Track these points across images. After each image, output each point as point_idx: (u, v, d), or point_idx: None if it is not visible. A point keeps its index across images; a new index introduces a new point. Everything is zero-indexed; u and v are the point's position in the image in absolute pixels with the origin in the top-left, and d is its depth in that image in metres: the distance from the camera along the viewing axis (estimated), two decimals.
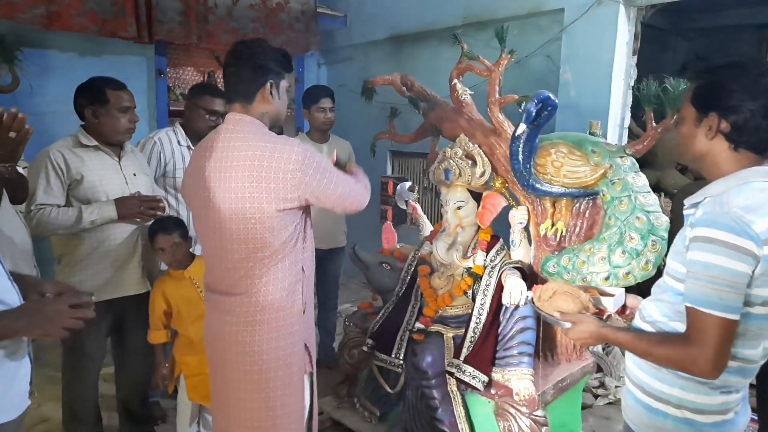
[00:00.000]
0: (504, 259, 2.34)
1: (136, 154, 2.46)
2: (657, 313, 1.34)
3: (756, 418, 2.36)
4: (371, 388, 2.57)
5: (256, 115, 1.68)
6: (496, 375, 2.13)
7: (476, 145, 2.37)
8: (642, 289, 1.84)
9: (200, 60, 4.80)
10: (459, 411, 2.22)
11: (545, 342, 2.33)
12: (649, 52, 3.41)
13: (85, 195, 2.17)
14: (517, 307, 2.15)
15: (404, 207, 2.92)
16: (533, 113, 2.01)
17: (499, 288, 2.23)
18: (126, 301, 2.30)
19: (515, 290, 2.11)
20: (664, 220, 1.98)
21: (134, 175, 2.33)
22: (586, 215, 2.18)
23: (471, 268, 2.36)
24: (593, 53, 3.22)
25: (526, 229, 2.34)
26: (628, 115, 3.30)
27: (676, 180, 4.09)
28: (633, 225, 1.98)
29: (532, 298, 1.60)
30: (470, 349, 2.19)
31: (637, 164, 2.12)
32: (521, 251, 2.33)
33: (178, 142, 2.73)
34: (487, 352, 2.15)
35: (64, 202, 2.15)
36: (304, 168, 1.58)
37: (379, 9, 4.74)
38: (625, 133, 3.33)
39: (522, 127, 2.06)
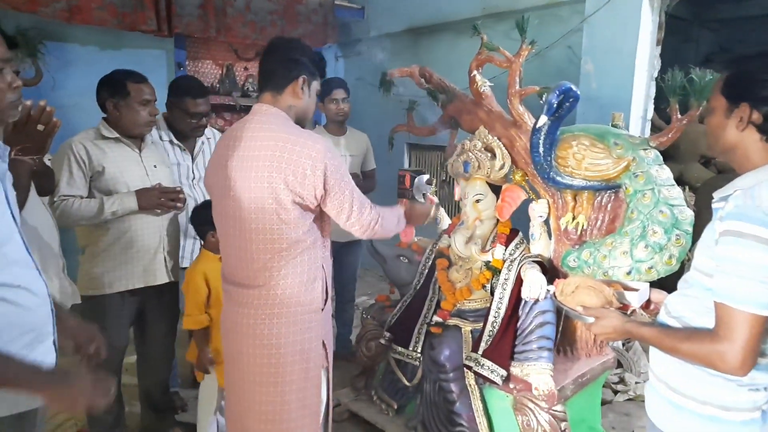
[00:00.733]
0: (523, 252, 2.32)
1: (156, 146, 2.48)
2: (684, 308, 1.31)
3: None
4: (388, 380, 2.57)
5: (284, 108, 1.69)
6: (515, 369, 2.12)
7: (496, 138, 2.35)
8: (664, 283, 1.81)
9: (219, 53, 4.82)
10: (477, 405, 2.22)
11: (565, 336, 2.31)
12: (671, 43, 3.34)
13: (107, 186, 2.19)
14: (536, 301, 2.13)
15: (422, 200, 2.90)
16: (554, 105, 1.98)
17: (518, 282, 2.22)
18: (148, 291, 2.32)
19: (535, 284, 2.09)
20: (689, 214, 1.94)
21: (154, 166, 2.35)
22: (608, 208, 2.15)
23: (490, 261, 2.34)
24: (615, 44, 3.16)
25: (546, 222, 2.31)
26: (651, 106, 3.24)
27: (699, 173, 4.02)
28: (656, 219, 1.94)
29: (554, 293, 1.58)
30: (489, 343, 2.18)
31: (660, 157, 2.08)
32: (541, 245, 2.30)
33: (160, 137, 2.66)
34: (505, 346, 2.14)
35: (86, 193, 2.18)
36: (323, 165, 1.58)
37: (397, 1, 4.71)
38: (648, 125, 3.28)
39: (543, 119, 2.03)
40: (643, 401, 2.88)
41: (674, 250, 1.91)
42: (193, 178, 2.76)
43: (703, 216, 2.00)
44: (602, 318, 1.39)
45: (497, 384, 2.11)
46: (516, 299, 2.21)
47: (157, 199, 2.24)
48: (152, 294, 2.34)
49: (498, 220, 2.40)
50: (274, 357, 1.66)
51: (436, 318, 2.43)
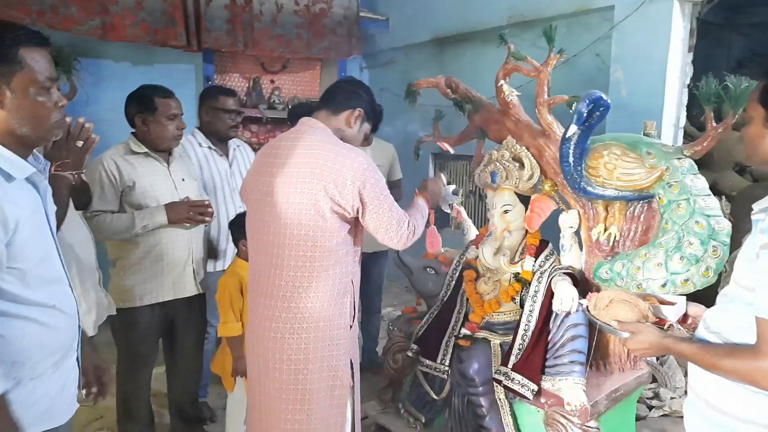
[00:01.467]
0: (553, 264, 2.28)
1: (184, 160, 2.53)
2: (724, 323, 1.27)
3: None
4: (416, 393, 2.55)
5: (332, 129, 1.74)
6: (546, 384, 2.07)
7: (524, 147, 2.32)
8: (699, 296, 1.75)
9: (246, 66, 4.91)
10: (507, 420, 2.17)
11: (598, 351, 2.25)
12: (702, 48, 3.27)
13: (137, 201, 2.23)
14: (568, 314, 2.09)
15: (448, 211, 2.88)
16: (585, 114, 1.94)
17: (549, 294, 2.17)
18: (178, 304, 2.35)
19: (566, 297, 2.05)
20: (726, 225, 1.88)
21: (183, 180, 2.38)
22: (641, 219, 2.10)
23: (519, 273, 2.31)
24: (646, 51, 3.10)
25: (577, 233, 2.27)
26: (684, 114, 3.17)
27: (734, 182, 3.90)
28: (692, 230, 1.89)
29: (587, 306, 1.54)
30: (518, 356, 2.14)
31: (695, 166, 2.03)
32: (572, 256, 2.26)
33: (199, 144, 2.81)
34: (536, 360, 2.10)
35: (117, 208, 2.22)
36: (363, 177, 1.60)
37: (421, 11, 4.72)
38: (681, 133, 3.20)
39: (573, 129, 1.99)
40: (679, 417, 2.81)
41: (711, 262, 1.85)
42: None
43: (739, 226, 1.94)
44: (638, 333, 1.35)
45: (528, 398, 2.06)
46: (546, 312, 2.16)
47: (186, 213, 2.27)
48: (181, 306, 2.37)
49: (527, 231, 2.36)
50: (301, 373, 1.65)
51: (464, 330, 2.40)
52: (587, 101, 1.93)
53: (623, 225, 2.11)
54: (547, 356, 2.12)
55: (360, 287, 1.78)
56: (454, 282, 2.58)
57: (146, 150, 2.29)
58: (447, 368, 2.32)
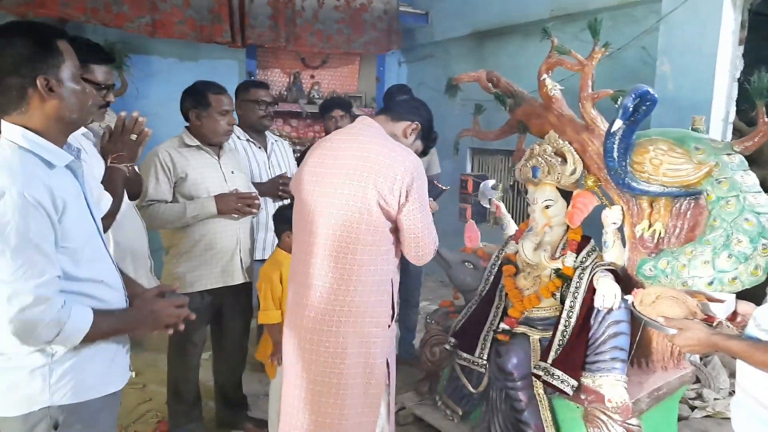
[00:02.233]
0: (595, 260, 2.26)
1: (233, 153, 2.61)
2: None
3: None
4: (453, 386, 2.57)
5: (388, 133, 1.78)
6: (586, 380, 2.07)
7: (566, 142, 2.31)
8: (746, 294, 1.71)
9: (287, 62, 4.98)
10: (546, 415, 2.18)
11: (640, 348, 2.23)
12: (752, 40, 3.15)
13: (189, 191, 2.32)
14: (610, 310, 2.07)
15: (487, 205, 2.88)
16: (630, 108, 1.92)
17: (590, 291, 2.16)
18: (226, 291, 2.43)
19: (609, 293, 2.04)
20: None
21: (232, 172, 2.46)
22: (687, 216, 2.06)
23: (560, 269, 2.30)
24: (694, 44, 3.02)
25: (620, 229, 2.24)
26: (733, 109, 3.08)
27: None
28: (741, 227, 1.85)
29: (633, 303, 1.53)
30: (558, 352, 2.13)
31: (746, 162, 1.99)
32: (615, 253, 2.24)
33: (238, 137, 2.89)
34: (577, 356, 2.09)
35: (170, 198, 2.31)
36: (412, 176, 1.63)
37: (462, 5, 4.70)
38: (730, 128, 3.11)
39: (618, 123, 1.97)
40: (723, 418, 2.76)
41: (761, 260, 1.81)
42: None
43: None
44: (686, 329, 1.35)
45: (567, 394, 2.06)
46: (588, 308, 2.15)
47: (234, 204, 2.35)
48: (229, 293, 2.45)
49: (568, 226, 2.35)
50: (337, 368, 1.65)
51: (503, 325, 2.40)
52: (633, 95, 1.90)
53: (668, 221, 2.08)
54: (588, 353, 2.11)
55: (400, 282, 1.81)
56: (492, 277, 2.58)
57: (198, 143, 2.38)
58: (485, 362, 2.33)
